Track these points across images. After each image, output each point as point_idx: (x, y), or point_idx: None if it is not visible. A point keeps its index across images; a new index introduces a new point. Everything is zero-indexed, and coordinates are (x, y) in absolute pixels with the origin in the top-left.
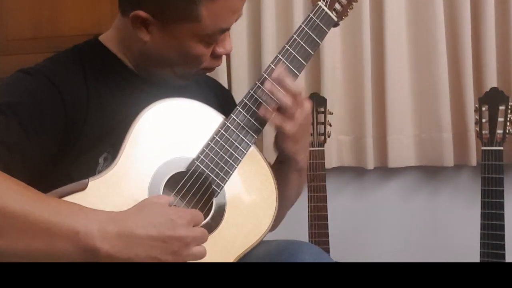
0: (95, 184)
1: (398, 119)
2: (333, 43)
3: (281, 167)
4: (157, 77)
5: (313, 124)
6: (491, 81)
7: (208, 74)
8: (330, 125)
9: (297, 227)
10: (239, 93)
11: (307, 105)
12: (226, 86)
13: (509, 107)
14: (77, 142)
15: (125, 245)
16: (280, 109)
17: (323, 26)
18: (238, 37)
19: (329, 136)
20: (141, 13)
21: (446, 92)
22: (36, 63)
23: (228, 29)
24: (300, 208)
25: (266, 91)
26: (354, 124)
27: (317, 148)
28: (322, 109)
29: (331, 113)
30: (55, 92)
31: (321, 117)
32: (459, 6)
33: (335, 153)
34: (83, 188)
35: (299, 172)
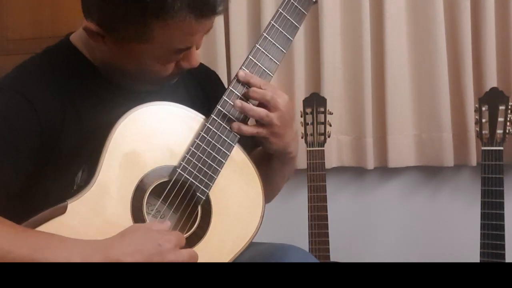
0: (74, 206)
1: (398, 119)
2: (333, 43)
3: (271, 162)
4: (127, 83)
5: (313, 124)
6: (491, 81)
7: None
8: (330, 125)
9: (297, 227)
10: None
11: (282, 101)
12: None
13: (509, 107)
14: (53, 157)
15: None
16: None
17: (301, 8)
18: (238, 37)
19: (329, 136)
20: (92, 26)
21: (446, 92)
22: (6, 74)
23: (187, 48)
24: (300, 208)
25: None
26: (354, 124)
27: (317, 148)
28: (322, 109)
29: (331, 113)
30: (30, 109)
31: (321, 117)
32: (459, 6)
33: (335, 153)
34: (63, 212)
35: (292, 161)
